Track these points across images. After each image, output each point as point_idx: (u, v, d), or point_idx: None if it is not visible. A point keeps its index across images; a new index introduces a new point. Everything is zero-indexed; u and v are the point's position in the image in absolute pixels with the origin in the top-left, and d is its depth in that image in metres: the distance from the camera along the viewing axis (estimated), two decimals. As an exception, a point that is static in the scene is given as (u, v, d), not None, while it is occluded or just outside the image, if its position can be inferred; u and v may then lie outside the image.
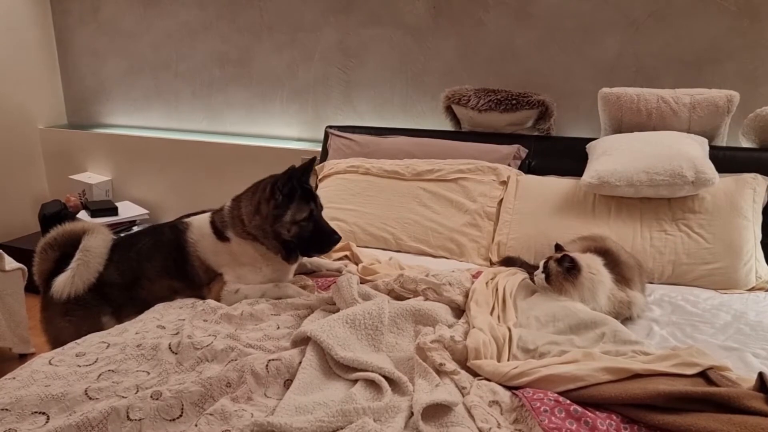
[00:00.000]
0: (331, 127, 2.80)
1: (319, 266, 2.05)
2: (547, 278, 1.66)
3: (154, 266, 1.84)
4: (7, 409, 1.20)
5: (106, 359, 1.45)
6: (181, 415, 1.22)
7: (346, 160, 2.54)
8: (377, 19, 2.85)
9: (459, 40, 2.73)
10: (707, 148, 2.11)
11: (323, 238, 1.81)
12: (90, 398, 1.26)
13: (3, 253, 2.59)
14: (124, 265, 1.85)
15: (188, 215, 1.98)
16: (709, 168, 1.96)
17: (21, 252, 3.01)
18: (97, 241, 1.85)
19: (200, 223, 1.88)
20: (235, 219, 1.83)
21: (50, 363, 1.41)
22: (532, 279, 1.76)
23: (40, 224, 3.28)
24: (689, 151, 2.01)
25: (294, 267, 1.92)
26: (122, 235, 1.95)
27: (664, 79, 2.42)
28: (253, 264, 1.82)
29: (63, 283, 1.77)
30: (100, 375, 1.36)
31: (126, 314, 1.77)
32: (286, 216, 1.76)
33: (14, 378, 1.33)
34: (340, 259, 2.16)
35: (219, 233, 1.84)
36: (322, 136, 2.86)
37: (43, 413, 1.21)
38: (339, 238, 1.83)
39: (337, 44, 2.97)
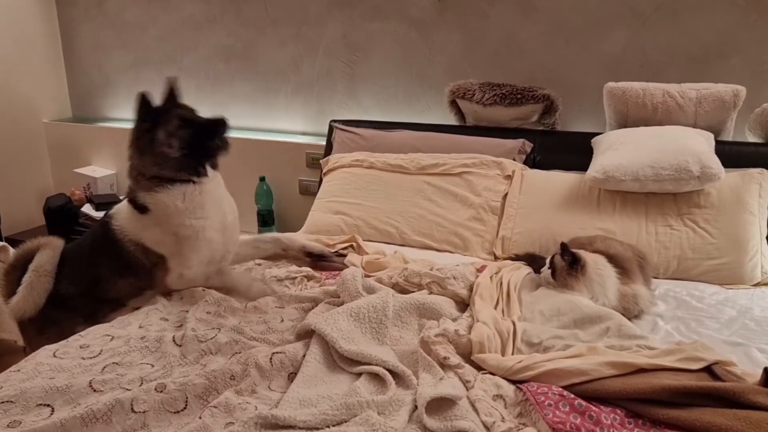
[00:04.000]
0: (335, 121, 2.80)
1: (294, 241, 2.00)
2: (553, 273, 1.66)
3: (104, 271, 1.75)
4: (11, 401, 1.21)
5: (110, 351, 1.45)
6: (185, 408, 1.23)
7: (351, 154, 2.54)
8: (382, 12, 2.84)
9: (464, 34, 2.71)
10: (713, 143, 2.10)
11: (210, 129, 1.71)
12: (94, 390, 1.26)
13: (8, 246, 2.58)
14: (75, 276, 1.76)
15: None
16: (715, 163, 1.95)
17: (26, 245, 3.02)
18: (43, 258, 1.76)
19: (120, 207, 1.78)
20: (136, 177, 1.71)
21: (54, 355, 1.41)
22: (536, 272, 1.76)
23: (45, 218, 3.29)
24: (695, 146, 2.00)
25: (231, 225, 1.83)
26: (68, 245, 1.84)
27: (670, 74, 2.40)
28: (183, 222, 1.69)
29: (16, 306, 1.71)
30: (104, 367, 1.37)
31: (101, 316, 1.71)
32: (159, 134, 1.64)
33: (19, 370, 1.34)
34: (344, 249, 2.17)
35: (137, 206, 1.72)
36: (326, 130, 2.85)
37: (48, 405, 1.22)
38: (223, 119, 1.72)
39: (342, 38, 2.96)
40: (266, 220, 3.01)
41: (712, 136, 2.12)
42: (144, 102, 1.66)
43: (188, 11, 3.30)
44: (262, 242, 2.02)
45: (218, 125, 1.71)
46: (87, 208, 3.33)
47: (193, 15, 3.29)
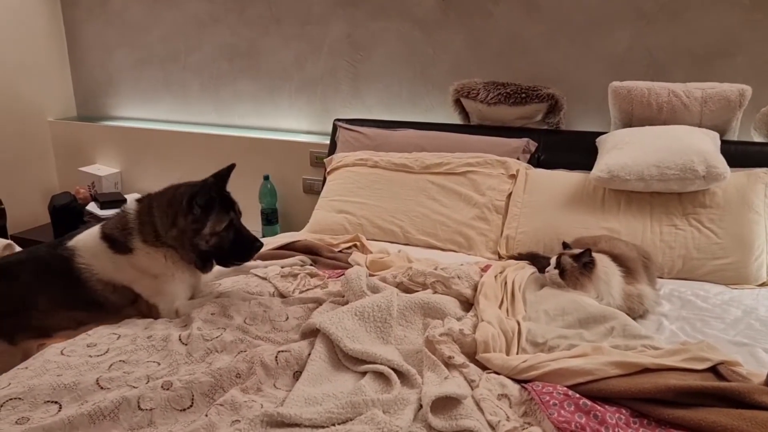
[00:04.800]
0: (339, 120, 2.80)
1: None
2: (562, 274, 1.66)
3: (42, 300, 1.64)
4: (20, 398, 1.22)
5: (117, 350, 1.46)
6: (191, 405, 1.23)
7: (355, 153, 2.54)
8: (386, 11, 2.84)
9: (468, 33, 2.71)
10: (719, 142, 2.09)
11: (245, 246, 1.72)
12: (101, 388, 1.27)
13: (14, 243, 2.60)
14: (2, 293, 1.65)
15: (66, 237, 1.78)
16: (721, 162, 1.94)
17: (31, 243, 3.02)
18: None
19: (88, 243, 1.68)
20: (146, 226, 1.68)
21: (62, 353, 1.42)
22: (540, 272, 1.76)
23: (50, 216, 3.29)
24: (700, 146, 1.99)
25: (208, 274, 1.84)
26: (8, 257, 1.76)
27: (675, 73, 2.40)
28: (165, 272, 1.69)
29: None
30: (111, 365, 1.37)
31: (20, 339, 1.63)
32: (206, 229, 1.65)
33: (26, 368, 1.35)
34: (348, 248, 2.17)
35: (117, 245, 1.66)
36: (330, 129, 2.86)
37: (56, 402, 1.22)
38: (261, 245, 1.76)
39: (346, 37, 2.96)
40: (270, 219, 3.02)
41: (717, 135, 2.12)
42: (209, 189, 1.65)
43: (192, 10, 3.31)
44: None
45: (254, 249, 1.73)
46: (92, 207, 3.34)
47: (197, 14, 3.30)
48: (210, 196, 1.66)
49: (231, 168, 1.76)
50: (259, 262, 2.00)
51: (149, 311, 1.70)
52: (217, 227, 1.66)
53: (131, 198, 1.75)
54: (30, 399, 1.22)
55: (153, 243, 1.67)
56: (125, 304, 1.68)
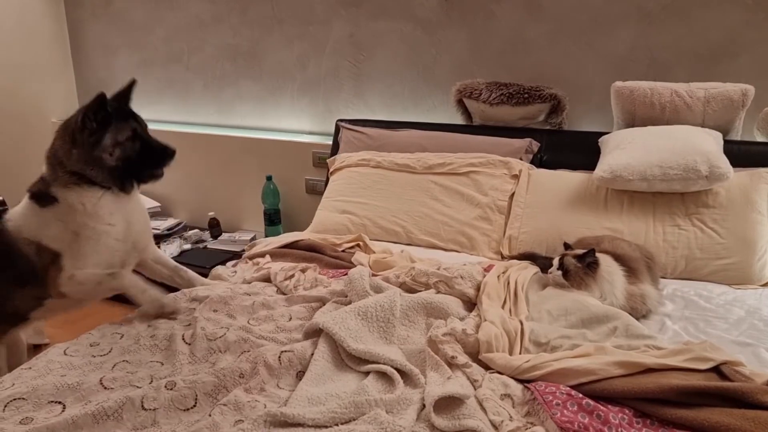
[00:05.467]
0: (342, 120, 2.80)
1: (192, 281, 1.91)
2: (565, 275, 1.66)
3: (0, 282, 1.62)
4: (23, 398, 1.22)
5: (121, 349, 1.46)
6: (194, 405, 1.24)
7: (358, 154, 2.54)
8: (388, 11, 2.84)
9: (470, 33, 2.71)
10: (722, 142, 2.09)
11: (156, 154, 1.68)
12: (105, 388, 1.28)
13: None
14: None
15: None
16: (724, 162, 1.94)
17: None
18: None
19: (18, 207, 1.66)
20: (55, 166, 1.62)
21: (65, 353, 1.43)
22: (543, 272, 1.76)
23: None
24: (703, 146, 1.99)
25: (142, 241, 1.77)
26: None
27: (677, 73, 2.40)
28: (87, 224, 1.60)
29: None
30: (114, 365, 1.38)
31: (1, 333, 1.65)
32: (106, 139, 1.59)
33: (30, 368, 1.35)
34: (351, 248, 2.17)
35: (41, 198, 1.62)
36: (332, 129, 2.86)
37: (59, 402, 1.23)
38: (173, 151, 1.70)
39: (348, 37, 2.96)
40: (273, 219, 3.02)
41: (720, 135, 2.12)
42: (102, 102, 1.58)
43: (194, 11, 3.31)
44: (178, 275, 1.92)
45: (167, 155, 1.69)
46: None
47: (200, 15, 3.30)
48: (105, 110, 1.60)
49: (131, 84, 1.72)
50: (205, 280, 1.94)
51: (54, 275, 1.60)
52: (119, 136, 1.62)
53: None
54: (34, 399, 1.23)
55: (66, 182, 1.61)
56: (46, 267, 1.60)
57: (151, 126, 3.59)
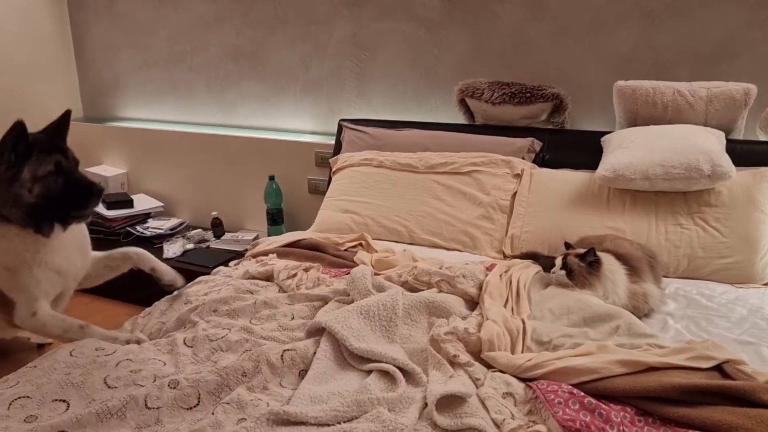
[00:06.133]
0: (344, 120, 2.81)
1: (145, 261, 1.82)
2: (569, 274, 1.66)
3: None
4: (28, 396, 1.23)
5: (124, 349, 1.47)
6: (197, 404, 1.24)
7: (360, 153, 2.54)
8: (390, 11, 2.85)
9: (472, 32, 2.72)
10: (724, 141, 2.09)
11: (81, 192, 1.54)
12: (109, 386, 1.29)
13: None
14: None
15: None
16: (726, 161, 1.94)
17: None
18: None
19: None
20: None
21: (71, 354, 1.42)
22: (546, 271, 1.76)
23: (57, 216, 3.32)
24: (706, 145, 1.99)
25: (81, 253, 1.66)
26: None
27: (680, 72, 2.39)
28: (16, 260, 1.51)
29: None
30: (118, 363, 1.38)
31: None
32: (24, 173, 1.47)
33: (35, 367, 1.36)
34: (353, 247, 2.18)
35: None
36: (335, 129, 2.86)
37: (64, 401, 1.24)
38: (101, 190, 1.57)
39: (351, 37, 2.97)
40: (275, 218, 3.03)
41: (723, 134, 2.12)
42: (20, 132, 1.47)
43: (197, 11, 3.32)
44: (112, 260, 1.83)
45: (93, 194, 1.56)
46: (99, 207, 3.36)
47: (203, 15, 3.31)
48: (25, 141, 1.48)
49: (66, 115, 1.60)
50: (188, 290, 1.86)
51: (7, 309, 1.55)
52: (39, 171, 1.49)
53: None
54: (38, 397, 1.24)
55: None
56: None
57: (153, 126, 3.62)
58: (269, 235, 2.92)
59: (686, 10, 2.35)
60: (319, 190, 2.98)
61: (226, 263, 2.24)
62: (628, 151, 2.06)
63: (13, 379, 1.31)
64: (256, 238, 3.07)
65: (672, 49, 2.40)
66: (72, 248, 1.67)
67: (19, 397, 1.23)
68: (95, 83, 3.76)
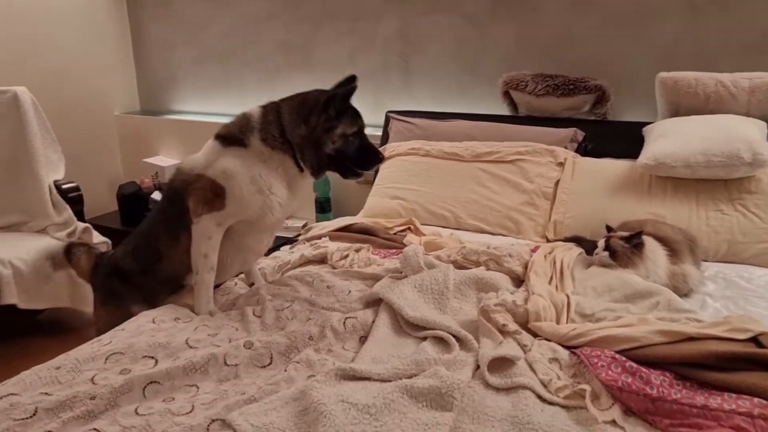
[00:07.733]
0: (391, 111, 2.92)
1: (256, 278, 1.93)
2: (613, 255, 1.74)
3: (162, 244, 1.73)
4: (122, 353, 1.38)
5: (199, 318, 1.61)
6: (270, 363, 1.38)
7: (407, 143, 2.65)
8: (437, 6, 2.95)
9: (517, 26, 2.79)
10: (765, 130, 2.12)
11: (369, 154, 1.73)
12: (190, 347, 1.42)
13: (91, 227, 2.83)
14: (138, 253, 1.76)
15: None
16: (767, 150, 1.98)
17: (102, 228, 3.24)
18: None
19: (201, 152, 1.79)
20: (270, 125, 1.68)
21: (153, 321, 1.56)
22: (588, 254, 1.84)
23: (118, 203, 3.52)
24: (747, 133, 2.04)
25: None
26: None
27: (723, 64, 2.43)
28: (260, 178, 1.66)
29: None
30: (196, 328, 1.53)
31: (160, 300, 1.72)
32: (338, 129, 1.67)
33: (123, 329, 1.51)
34: (402, 231, 2.28)
35: (230, 140, 1.72)
36: (381, 122, 2.97)
37: (152, 357, 1.38)
38: (383, 158, 1.78)
39: (397, 32, 3.07)
40: (324, 207, 3.16)
41: (765, 124, 2.15)
42: (350, 93, 1.67)
43: (249, 8, 3.47)
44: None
45: (377, 159, 1.76)
46: (156, 195, 3.54)
47: (254, 12, 3.46)
48: (345, 103, 1.68)
49: (352, 78, 1.74)
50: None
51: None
52: (348, 130, 1.68)
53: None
54: (130, 354, 1.38)
55: (271, 142, 1.68)
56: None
57: (208, 119, 3.78)
58: (318, 221, 3.05)
59: (730, 2, 2.39)
60: (366, 180, 3.09)
61: (277, 248, 2.36)
62: (670, 140, 2.11)
63: (106, 338, 1.47)
64: (305, 225, 3.20)
65: (715, 41, 2.44)
66: (299, 199, 1.84)
67: (113, 353, 1.38)
68: (152, 78, 3.96)
